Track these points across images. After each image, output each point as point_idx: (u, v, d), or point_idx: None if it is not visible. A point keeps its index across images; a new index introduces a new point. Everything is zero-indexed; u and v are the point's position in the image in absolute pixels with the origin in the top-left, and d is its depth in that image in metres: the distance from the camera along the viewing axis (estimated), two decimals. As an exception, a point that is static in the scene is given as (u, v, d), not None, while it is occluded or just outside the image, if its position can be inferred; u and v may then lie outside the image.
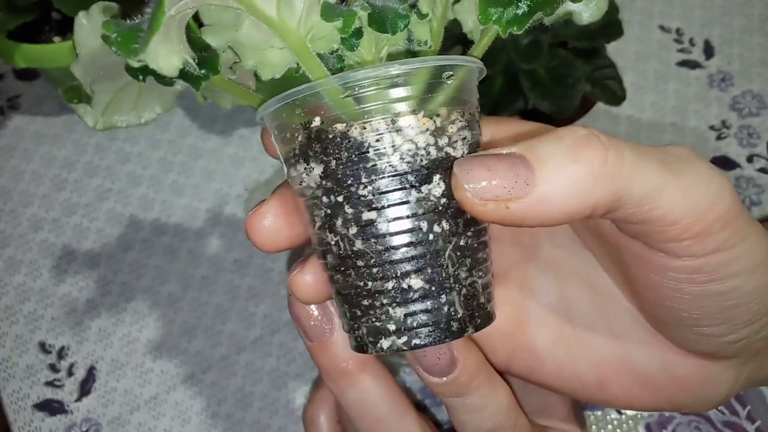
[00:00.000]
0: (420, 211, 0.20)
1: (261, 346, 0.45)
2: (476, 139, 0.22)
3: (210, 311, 0.46)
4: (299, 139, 0.21)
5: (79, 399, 0.44)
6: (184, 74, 0.21)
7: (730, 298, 0.20)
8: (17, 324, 0.46)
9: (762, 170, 0.51)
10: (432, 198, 0.20)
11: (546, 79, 0.40)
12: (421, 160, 0.20)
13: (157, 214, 0.50)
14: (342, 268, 0.22)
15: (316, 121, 0.21)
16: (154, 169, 0.52)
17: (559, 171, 0.18)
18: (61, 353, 0.45)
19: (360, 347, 0.22)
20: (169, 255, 0.49)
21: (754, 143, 0.52)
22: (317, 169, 0.21)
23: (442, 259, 0.21)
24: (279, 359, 0.45)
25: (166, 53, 0.20)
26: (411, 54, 0.23)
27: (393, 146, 0.20)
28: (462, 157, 0.21)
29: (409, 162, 0.20)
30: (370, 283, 0.21)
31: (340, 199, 0.21)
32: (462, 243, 0.21)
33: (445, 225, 0.21)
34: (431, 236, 0.21)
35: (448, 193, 0.20)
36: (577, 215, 0.18)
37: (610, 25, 0.41)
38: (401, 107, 0.20)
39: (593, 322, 0.24)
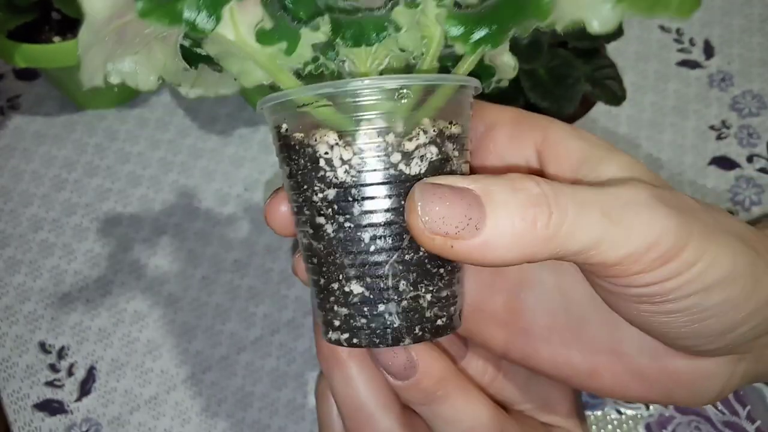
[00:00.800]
0: (363, 224, 0.21)
1: (261, 346, 0.45)
2: (444, 155, 0.22)
3: (210, 311, 0.46)
4: (277, 141, 0.22)
5: (79, 399, 0.44)
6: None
7: (690, 314, 0.21)
8: (17, 324, 0.46)
9: (762, 170, 0.51)
10: (376, 213, 0.21)
11: (546, 79, 0.40)
12: (367, 176, 0.21)
13: (157, 214, 0.50)
14: (306, 259, 0.23)
15: (283, 128, 0.22)
16: (154, 170, 0.52)
17: (507, 224, 0.19)
18: (61, 353, 0.45)
19: (322, 332, 0.23)
20: (169, 255, 0.49)
21: (754, 143, 0.52)
22: (286, 171, 0.22)
23: (382, 271, 0.21)
24: (279, 359, 0.45)
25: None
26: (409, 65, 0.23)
27: (341, 159, 0.21)
28: (420, 175, 0.21)
29: (354, 176, 0.21)
30: (322, 280, 0.22)
31: (300, 200, 0.22)
32: (407, 258, 0.21)
33: (389, 240, 0.21)
34: (372, 248, 0.21)
35: (395, 209, 0.21)
36: (515, 263, 0.20)
37: (610, 25, 0.41)
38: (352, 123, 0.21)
39: (587, 314, 0.25)
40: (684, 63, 0.56)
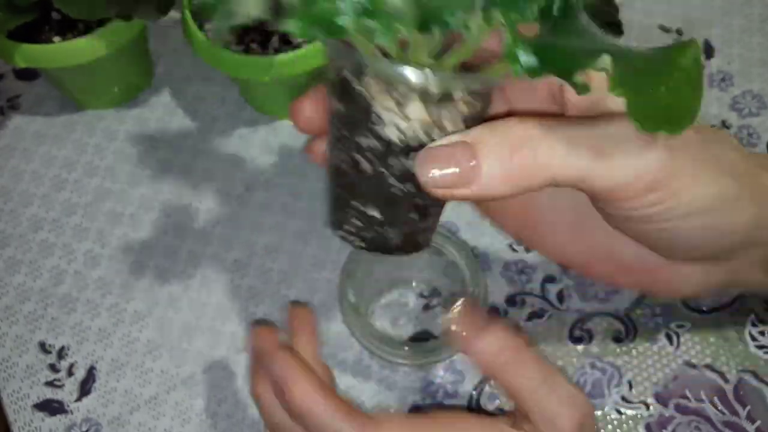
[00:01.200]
0: (396, 174, 0.25)
1: (261, 346, 0.45)
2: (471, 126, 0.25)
3: (210, 311, 0.47)
4: (336, 81, 0.24)
5: (79, 399, 0.44)
6: None
7: (671, 234, 0.25)
8: (17, 324, 0.46)
9: (762, 170, 0.51)
10: (406, 168, 0.24)
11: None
12: (411, 142, 0.24)
13: (157, 214, 0.50)
14: (334, 172, 0.26)
15: (347, 75, 0.24)
16: (154, 170, 0.52)
17: (497, 165, 0.23)
18: (61, 353, 0.45)
19: (331, 224, 0.27)
20: (169, 255, 0.49)
21: (753, 143, 0.52)
22: (339, 107, 0.25)
23: (398, 208, 0.26)
24: (279, 359, 0.45)
25: None
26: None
27: (395, 124, 0.23)
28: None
29: (401, 140, 0.24)
30: (345, 195, 0.26)
31: (346, 135, 0.25)
32: (418, 201, 0.26)
33: (410, 188, 0.25)
34: (396, 191, 0.25)
35: None
36: (511, 196, 0.24)
37: (611, 26, 0.41)
38: (411, 98, 0.23)
39: (590, 218, 0.27)
40: (684, 63, 0.56)
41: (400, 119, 0.23)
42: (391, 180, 0.25)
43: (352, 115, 0.24)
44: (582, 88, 0.19)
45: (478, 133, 0.23)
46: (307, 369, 0.30)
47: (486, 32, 0.22)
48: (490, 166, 0.23)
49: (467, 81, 0.23)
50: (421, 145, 0.24)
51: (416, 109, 0.23)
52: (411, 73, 0.22)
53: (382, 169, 0.24)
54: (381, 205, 0.26)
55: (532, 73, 0.20)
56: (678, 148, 0.23)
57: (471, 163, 0.23)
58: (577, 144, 0.22)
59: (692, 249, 0.26)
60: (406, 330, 0.45)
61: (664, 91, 0.20)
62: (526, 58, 0.20)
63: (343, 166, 0.25)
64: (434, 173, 0.23)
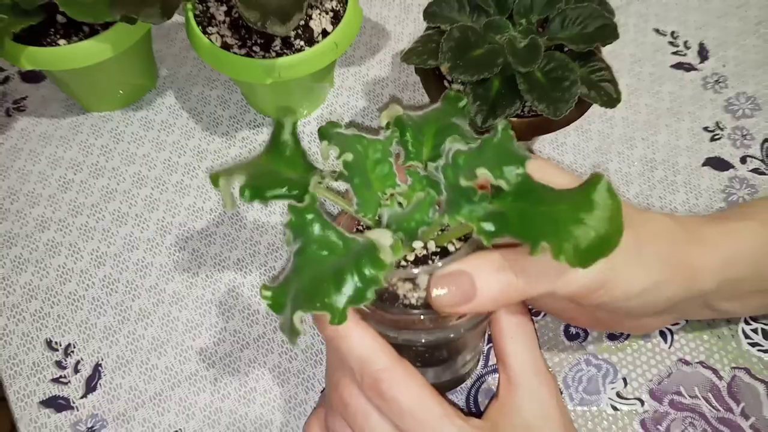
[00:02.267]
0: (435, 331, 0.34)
1: (263, 343, 0.46)
2: None
3: (213, 309, 0.47)
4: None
5: (84, 395, 0.45)
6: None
7: (624, 310, 0.35)
8: (24, 322, 0.47)
9: (755, 171, 0.52)
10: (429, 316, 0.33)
11: (543, 82, 0.41)
12: (424, 302, 0.33)
13: (161, 214, 0.51)
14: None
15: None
16: (159, 170, 0.53)
17: (488, 287, 0.31)
18: (68, 350, 0.46)
19: None
20: (173, 254, 0.49)
21: (747, 144, 0.53)
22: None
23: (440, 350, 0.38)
24: (281, 356, 0.46)
25: None
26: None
27: (415, 296, 0.33)
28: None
29: (418, 299, 0.33)
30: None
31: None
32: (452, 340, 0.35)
33: (436, 334, 0.34)
34: (425, 340, 0.34)
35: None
36: (501, 308, 0.34)
37: (606, 28, 0.42)
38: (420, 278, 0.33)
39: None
40: (679, 65, 0.57)
41: (416, 291, 0.33)
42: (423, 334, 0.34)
43: (384, 295, 0.33)
44: (533, 251, 0.26)
45: (473, 263, 0.31)
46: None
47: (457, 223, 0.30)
48: (484, 288, 0.30)
49: (449, 261, 0.32)
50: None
51: (424, 280, 0.32)
52: (417, 271, 0.32)
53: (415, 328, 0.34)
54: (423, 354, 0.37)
55: (492, 235, 0.28)
56: (613, 254, 0.27)
57: (470, 286, 0.30)
58: (544, 268, 0.31)
59: (640, 314, 0.36)
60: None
61: (589, 232, 0.26)
62: (487, 227, 0.28)
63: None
64: (442, 293, 0.31)
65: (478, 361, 0.44)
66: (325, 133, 0.33)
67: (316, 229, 0.30)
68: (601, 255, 0.26)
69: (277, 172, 0.33)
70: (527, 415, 0.33)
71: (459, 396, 0.44)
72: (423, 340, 0.34)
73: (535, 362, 0.34)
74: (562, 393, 0.43)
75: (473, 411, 0.43)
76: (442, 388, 0.42)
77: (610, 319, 0.38)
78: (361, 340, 0.32)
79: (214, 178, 0.32)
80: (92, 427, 0.44)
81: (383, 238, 0.29)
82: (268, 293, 0.29)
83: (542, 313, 0.46)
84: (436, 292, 0.31)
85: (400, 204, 0.33)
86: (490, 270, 0.31)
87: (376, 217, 0.33)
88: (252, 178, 0.32)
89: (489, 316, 0.35)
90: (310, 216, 0.30)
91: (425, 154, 0.34)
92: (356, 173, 0.33)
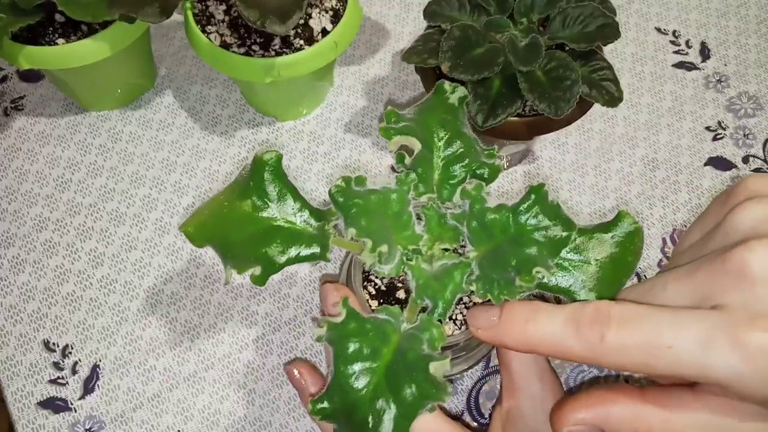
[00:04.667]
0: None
1: (262, 345, 0.46)
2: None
3: (212, 310, 0.47)
4: None
5: (82, 397, 0.44)
6: None
7: None
8: (21, 323, 0.47)
9: (758, 170, 0.52)
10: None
11: (544, 81, 0.40)
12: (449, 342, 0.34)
13: (160, 214, 0.51)
14: None
15: None
16: (157, 170, 0.53)
17: (512, 325, 0.29)
18: (65, 351, 0.46)
19: None
20: (172, 254, 0.49)
21: (750, 144, 0.53)
22: None
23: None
24: (280, 357, 0.45)
25: None
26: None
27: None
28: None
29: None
30: None
31: None
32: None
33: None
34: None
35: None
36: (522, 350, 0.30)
37: (607, 27, 0.42)
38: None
39: None
40: (680, 65, 0.57)
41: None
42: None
43: None
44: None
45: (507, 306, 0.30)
46: None
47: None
48: (506, 322, 0.29)
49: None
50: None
51: (449, 329, 0.34)
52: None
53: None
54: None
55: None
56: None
57: (494, 319, 0.29)
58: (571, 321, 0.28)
59: None
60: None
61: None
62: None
63: None
64: (476, 321, 0.30)
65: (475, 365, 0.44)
66: (336, 201, 0.30)
67: (352, 346, 0.28)
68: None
69: (275, 228, 0.30)
70: (531, 421, 0.33)
71: (460, 397, 0.43)
72: None
73: (540, 366, 0.33)
74: (563, 394, 0.43)
75: (473, 411, 0.43)
76: None
77: None
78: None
79: (228, 276, 0.29)
80: (90, 428, 0.43)
81: (441, 366, 0.28)
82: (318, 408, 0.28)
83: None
84: (472, 319, 0.30)
85: (421, 254, 0.31)
86: (516, 315, 0.30)
87: (401, 275, 0.31)
88: (253, 248, 0.29)
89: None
90: (350, 325, 0.28)
91: (436, 178, 0.32)
92: (377, 236, 0.29)
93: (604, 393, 0.28)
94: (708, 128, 0.54)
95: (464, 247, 0.31)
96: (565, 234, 0.28)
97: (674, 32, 0.59)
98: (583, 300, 0.29)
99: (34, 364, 0.45)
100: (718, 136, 0.53)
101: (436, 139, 0.33)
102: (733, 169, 0.52)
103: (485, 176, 0.32)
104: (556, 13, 0.42)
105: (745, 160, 0.52)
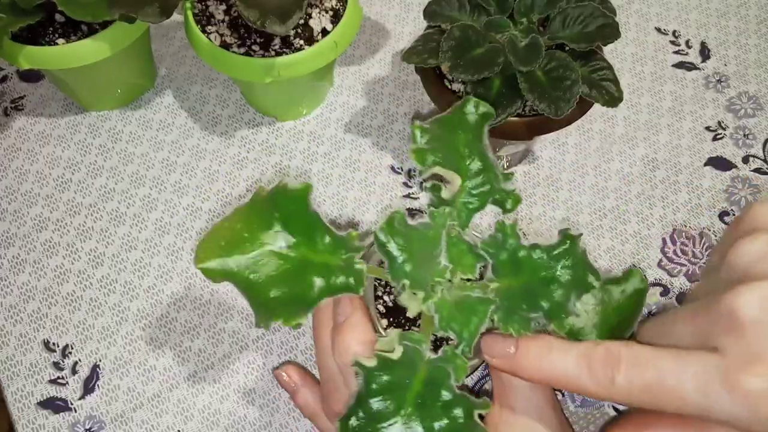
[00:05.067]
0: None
1: (262, 345, 0.46)
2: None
3: (212, 310, 0.47)
4: None
5: (82, 397, 0.44)
6: None
7: None
8: (21, 323, 0.47)
9: (758, 170, 0.52)
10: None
11: (544, 81, 0.40)
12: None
13: (160, 214, 0.51)
14: None
15: None
16: (157, 170, 0.53)
17: (531, 360, 0.30)
18: (65, 351, 0.46)
19: None
20: (171, 255, 0.49)
21: (750, 144, 0.53)
22: None
23: None
24: (280, 357, 0.45)
25: None
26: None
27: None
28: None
29: None
30: None
31: None
32: None
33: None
34: None
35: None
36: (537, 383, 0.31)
37: (607, 27, 0.42)
38: None
39: None
40: (680, 65, 0.57)
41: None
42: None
43: None
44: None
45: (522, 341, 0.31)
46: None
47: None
48: (524, 357, 0.30)
49: None
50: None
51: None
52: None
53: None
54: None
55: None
56: None
57: (511, 350, 0.30)
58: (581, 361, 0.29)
59: None
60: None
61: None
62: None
63: None
64: (492, 350, 0.31)
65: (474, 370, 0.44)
66: (381, 245, 0.29)
67: (382, 378, 0.28)
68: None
69: (305, 264, 0.29)
70: (523, 419, 0.33)
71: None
72: None
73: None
74: (563, 395, 0.43)
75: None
76: None
77: None
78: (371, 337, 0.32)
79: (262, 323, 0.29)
80: (90, 428, 0.43)
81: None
82: None
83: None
84: (486, 348, 0.31)
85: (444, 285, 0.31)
86: (533, 352, 0.31)
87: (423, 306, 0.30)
88: (285, 290, 0.28)
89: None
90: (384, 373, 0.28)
91: (458, 201, 0.32)
92: (415, 278, 0.29)
93: (648, 418, 0.30)
94: (708, 128, 0.54)
95: (482, 276, 0.31)
96: (592, 282, 0.29)
97: (674, 32, 0.59)
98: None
99: (34, 364, 0.45)
100: (718, 136, 0.53)
101: (465, 163, 0.32)
102: (733, 169, 0.52)
103: (507, 206, 0.32)
104: (556, 13, 0.42)
105: (745, 160, 0.52)
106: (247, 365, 0.45)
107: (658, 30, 0.59)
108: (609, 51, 0.55)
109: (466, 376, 0.38)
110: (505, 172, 0.33)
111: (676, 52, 0.58)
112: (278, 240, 0.29)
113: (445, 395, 0.28)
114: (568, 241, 0.29)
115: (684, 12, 0.60)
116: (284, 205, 0.29)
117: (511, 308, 0.29)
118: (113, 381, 0.45)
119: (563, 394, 0.43)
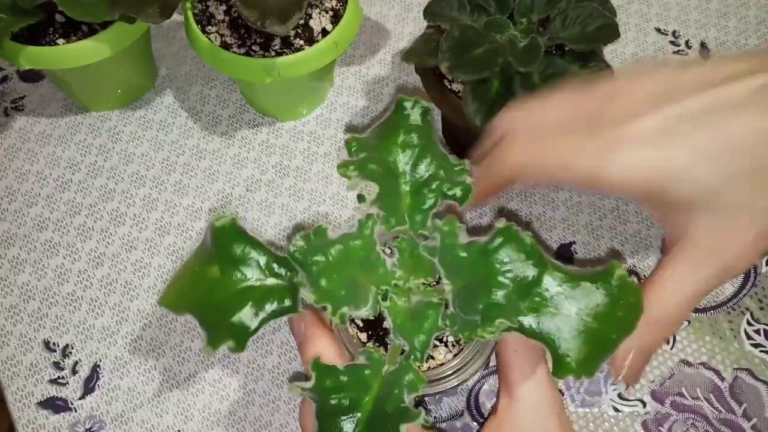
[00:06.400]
0: None
1: (262, 345, 0.46)
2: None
3: (212, 310, 0.47)
4: None
5: (83, 397, 0.44)
6: None
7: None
8: (21, 323, 0.47)
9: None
10: None
11: (540, 85, 0.41)
12: None
13: (160, 214, 0.51)
14: None
15: None
16: (157, 170, 0.53)
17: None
18: (66, 351, 0.46)
19: None
20: (172, 255, 0.49)
21: (749, 144, 0.53)
22: None
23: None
24: (280, 357, 0.45)
25: None
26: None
27: None
28: None
29: None
30: None
31: None
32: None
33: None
34: None
35: None
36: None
37: (607, 28, 0.42)
38: None
39: None
40: (680, 65, 0.57)
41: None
42: None
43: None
44: None
45: None
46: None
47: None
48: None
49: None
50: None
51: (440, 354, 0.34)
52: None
53: None
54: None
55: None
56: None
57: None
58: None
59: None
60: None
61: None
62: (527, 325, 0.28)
63: None
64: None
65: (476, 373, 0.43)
66: (297, 261, 0.28)
67: (333, 401, 0.28)
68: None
69: (245, 289, 0.29)
70: (528, 416, 0.33)
71: (460, 397, 0.43)
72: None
73: (538, 377, 0.33)
74: (563, 394, 0.43)
75: (473, 411, 0.43)
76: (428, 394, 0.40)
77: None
78: (325, 354, 0.31)
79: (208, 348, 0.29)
80: (90, 428, 0.44)
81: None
82: None
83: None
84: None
85: (396, 292, 0.30)
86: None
87: (376, 315, 0.30)
88: (225, 316, 0.28)
89: (480, 368, 0.34)
90: (325, 384, 0.28)
91: (405, 207, 0.30)
92: (339, 294, 0.28)
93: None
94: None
95: (440, 279, 0.30)
96: (535, 274, 0.27)
97: (674, 32, 0.59)
98: (563, 353, 0.28)
99: (34, 364, 0.46)
100: (718, 137, 0.53)
101: (400, 165, 0.31)
102: (733, 170, 0.52)
103: (457, 197, 0.30)
104: (555, 13, 0.42)
105: (745, 160, 0.52)
106: (247, 365, 0.45)
107: (658, 30, 0.59)
108: (609, 51, 0.55)
109: (466, 381, 0.38)
110: (457, 163, 0.31)
111: (676, 53, 0.58)
112: (221, 272, 0.30)
113: (392, 411, 0.27)
114: (502, 236, 0.27)
115: (684, 12, 0.60)
116: (219, 241, 0.31)
117: (460, 314, 0.28)
118: (113, 381, 0.45)
119: (563, 394, 0.43)
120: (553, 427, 0.33)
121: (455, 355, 0.34)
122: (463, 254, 0.28)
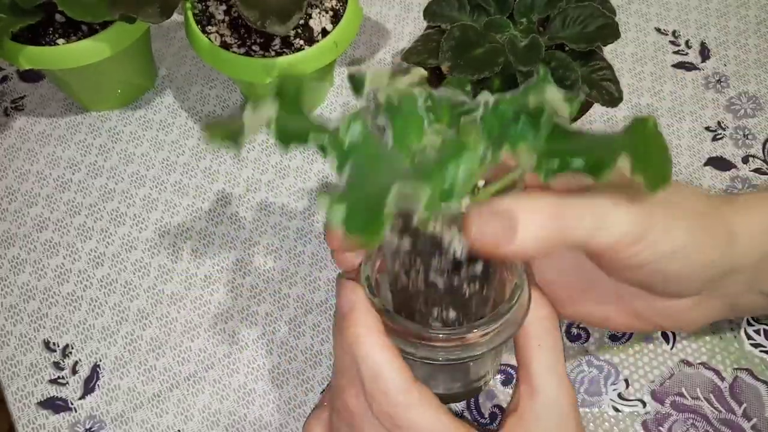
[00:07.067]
0: (462, 279, 0.31)
1: (262, 344, 0.46)
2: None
3: (212, 310, 0.47)
4: (405, 223, 0.29)
5: (83, 397, 0.44)
6: None
7: (662, 276, 0.31)
8: (21, 323, 0.47)
9: (757, 171, 0.52)
10: (471, 273, 0.31)
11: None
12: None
13: (160, 214, 0.51)
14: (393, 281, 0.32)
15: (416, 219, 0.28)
16: (157, 170, 0.53)
17: (532, 228, 0.27)
18: (66, 351, 0.46)
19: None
20: (172, 254, 0.49)
21: (749, 144, 0.53)
22: (404, 242, 0.30)
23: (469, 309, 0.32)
24: (281, 357, 0.45)
25: None
26: None
27: (458, 244, 0.29)
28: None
29: (461, 250, 0.29)
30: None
31: (413, 261, 0.30)
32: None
33: (476, 287, 0.31)
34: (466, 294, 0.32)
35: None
36: (541, 255, 0.28)
37: (607, 28, 0.42)
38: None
39: (595, 277, 0.33)
40: (680, 65, 0.57)
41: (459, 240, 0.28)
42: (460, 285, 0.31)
43: (424, 246, 0.29)
44: (604, 178, 0.25)
45: (514, 200, 0.28)
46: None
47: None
48: (527, 227, 0.27)
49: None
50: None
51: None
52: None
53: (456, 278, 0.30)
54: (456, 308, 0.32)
55: (555, 172, 0.26)
56: (650, 206, 0.28)
57: (511, 222, 0.27)
58: (581, 213, 0.28)
59: (682, 285, 0.32)
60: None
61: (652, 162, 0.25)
62: (551, 165, 0.26)
63: (412, 289, 0.31)
64: (482, 230, 0.27)
65: (496, 373, 0.43)
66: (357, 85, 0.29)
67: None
68: (666, 181, 0.25)
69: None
70: (546, 423, 0.32)
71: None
72: (441, 359, 0.31)
73: (559, 371, 0.32)
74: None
75: (473, 411, 0.43)
76: (453, 399, 0.41)
77: (647, 308, 0.34)
78: (379, 353, 0.30)
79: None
80: (90, 428, 0.44)
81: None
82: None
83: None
84: (475, 225, 0.27)
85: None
86: (535, 209, 0.28)
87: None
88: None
89: (512, 336, 0.33)
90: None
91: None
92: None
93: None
94: (708, 128, 0.54)
95: None
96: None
97: (674, 32, 0.59)
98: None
99: (34, 364, 0.46)
100: (718, 137, 0.53)
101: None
102: (733, 169, 0.52)
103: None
104: (556, 13, 0.42)
105: (745, 160, 0.52)
106: (247, 365, 0.45)
107: (658, 30, 0.59)
108: (609, 51, 0.55)
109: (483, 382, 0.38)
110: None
111: (676, 52, 0.58)
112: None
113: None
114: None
115: (684, 12, 0.60)
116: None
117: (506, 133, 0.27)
118: (113, 381, 0.45)
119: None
120: (570, 423, 0.32)
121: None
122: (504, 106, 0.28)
